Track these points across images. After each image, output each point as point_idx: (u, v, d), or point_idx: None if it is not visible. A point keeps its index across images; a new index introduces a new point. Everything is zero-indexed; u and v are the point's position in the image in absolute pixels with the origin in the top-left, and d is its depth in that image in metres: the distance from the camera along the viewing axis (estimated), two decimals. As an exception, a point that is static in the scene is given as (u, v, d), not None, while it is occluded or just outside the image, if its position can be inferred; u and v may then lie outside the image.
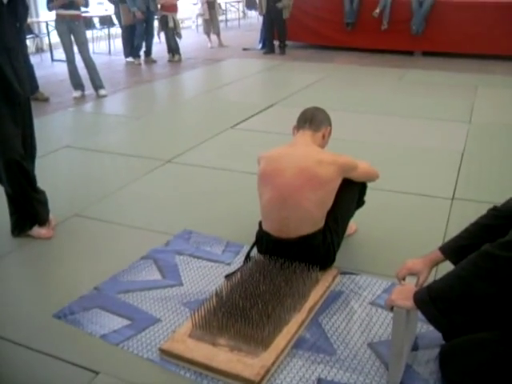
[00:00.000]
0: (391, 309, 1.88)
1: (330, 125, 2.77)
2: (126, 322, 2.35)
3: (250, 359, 2.03)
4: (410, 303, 1.81)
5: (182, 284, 2.64)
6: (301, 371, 2.05)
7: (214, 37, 11.23)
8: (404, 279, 2.08)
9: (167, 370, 2.07)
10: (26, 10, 3.71)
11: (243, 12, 16.97)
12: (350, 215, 2.75)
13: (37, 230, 3.13)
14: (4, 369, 2.13)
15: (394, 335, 1.89)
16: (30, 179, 3.06)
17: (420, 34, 9.35)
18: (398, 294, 1.87)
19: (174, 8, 9.42)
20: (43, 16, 9.75)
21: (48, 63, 9.41)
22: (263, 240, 2.66)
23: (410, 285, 1.99)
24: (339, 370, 2.06)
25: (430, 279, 1.98)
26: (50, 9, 6.60)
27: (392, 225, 3.21)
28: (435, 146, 4.61)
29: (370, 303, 2.46)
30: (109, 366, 2.11)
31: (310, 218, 2.52)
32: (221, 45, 11.26)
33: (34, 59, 7.51)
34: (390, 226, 3.20)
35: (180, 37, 9.77)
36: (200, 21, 12.61)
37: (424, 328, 2.23)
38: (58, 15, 6.55)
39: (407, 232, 3.12)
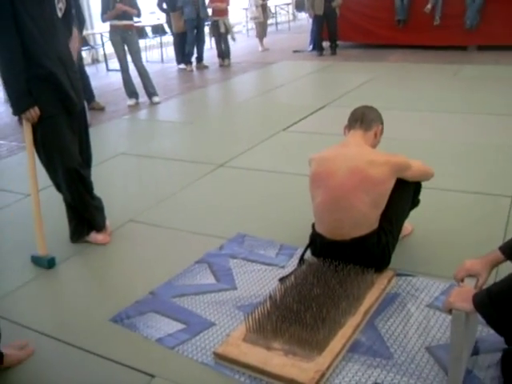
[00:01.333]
0: (449, 311, 1.83)
1: (382, 123, 2.72)
2: (180, 326, 2.37)
3: (305, 363, 2.01)
4: (469, 305, 1.75)
5: (236, 288, 2.65)
6: (357, 375, 2.01)
7: (265, 40, 11.27)
8: (462, 280, 2.02)
9: (222, 374, 2.07)
10: (82, 23, 3.81)
11: (293, 14, 16.94)
12: (405, 215, 2.69)
13: (94, 236, 3.21)
14: (61, 370, 2.18)
15: (453, 339, 1.83)
16: (88, 186, 3.14)
17: (474, 27, 9.10)
18: (456, 296, 1.81)
19: (224, 12, 9.51)
20: (98, 28, 10.00)
21: (103, 73, 9.65)
22: (317, 242, 2.63)
23: (469, 286, 1.92)
24: (396, 374, 2.01)
25: (490, 280, 1.91)
26: (103, 20, 6.78)
27: (449, 224, 3.12)
28: (493, 142, 4.47)
29: (428, 306, 2.40)
30: (164, 369, 2.13)
31: (363, 219, 2.48)
32: (264, 49, 11.33)
33: (89, 70, 7.70)
34: (446, 225, 3.11)
35: (234, 40, 9.85)
36: (251, 25, 12.66)
37: (485, 331, 2.15)
38: (111, 26, 6.72)
39: (465, 232, 3.03)
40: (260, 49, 11.28)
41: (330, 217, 2.52)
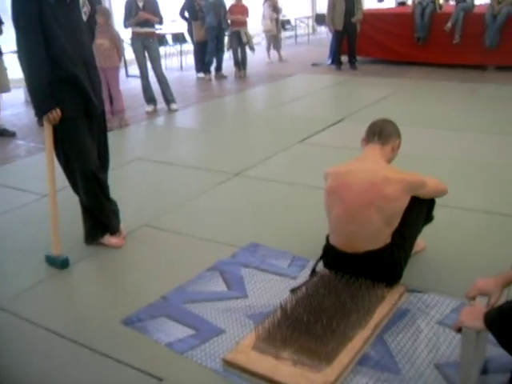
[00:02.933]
0: (459, 330, 1.83)
1: (400, 137, 2.73)
2: (191, 332, 2.39)
3: (313, 374, 2.01)
4: (479, 324, 1.75)
5: (247, 296, 2.66)
6: (364, 389, 2.02)
7: (273, 52, 11.43)
8: (474, 299, 2.02)
9: (230, 381, 2.08)
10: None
11: (312, 27, 17.01)
12: (418, 231, 2.70)
13: (108, 239, 3.23)
14: (70, 370, 2.21)
15: (463, 357, 1.84)
16: (104, 189, 3.17)
17: (494, 47, 9.08)
18: (467, 315, 1.82)
19: (244, 23, 9.59)
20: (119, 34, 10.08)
21: (123, 79, 9.71)
22: (330, 254, 2.65)
23: (481, 305, 1.93)
24: (404, 389, 2.01)
25: (503, 300, 1.91)
26: (126, 26, 6.87)
27: (462, 243, 3.12)
28: (509, 163, 4.46)
29: (438, 323, 2.40)
30: (173, 373, 2.15)
31: (377, 233, 2.49)
32: (281, 59, 11.42)
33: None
34: (460, 243, 3.11)
35: (253, 50, 9.93)
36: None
37: (495, 351, 2.14)
38: (133, 33, 6.81)
39: (478, 250, 3.02)
40: (267, 60, 11.42)
41: (345, 229, 2.53)
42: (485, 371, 2.07)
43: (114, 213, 3.27)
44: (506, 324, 1.67)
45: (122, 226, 3.33)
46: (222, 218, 3.59)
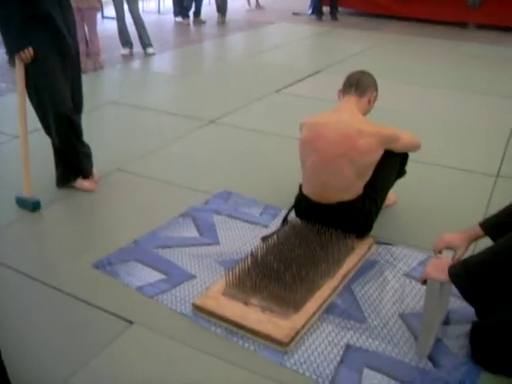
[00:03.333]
0: (424, 282, 1.88)
1: (377, 90, 2.72)
2: (161, 276, 2.41)
3: (281, 320, 2.06)
4: (444, 276, 1.80)
5: (218, 243, 2.68)
6: (330, 336, 2.07)
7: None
8: (440, 252, 2.07)
9: (198, 325, 2.12)
10: None
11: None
12: (390, 185, 2.73)
13: (80, 182, 3.21)
14: (42, 312, 2.22)
15: (426, 308, 1.89)
16: (77, 132, 3.12)
17: (476, 6, 9.03)
18: (432, 267, 1.86)
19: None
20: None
21: (98, 20, 9.45)
22: (302, 203, 2.67)
23: (446, 258, 1.98)
24: (368, 337, 2.07)
25: (468, 255, 1.96)
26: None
27: (432, 198, 3.17)
28: (483, 121, 4.50)
29: (405, 275, 2.45)
30: (143, 316, 2.17)
31: (349, 185, 2.51)
32: (258, 6, 11.25)
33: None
34: (430, 199, 3.16)
35: None
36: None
37: (457, 303, 2.21)
38: (109, -29, 6.58)
39: (447, 206, 3.07)
40: (247, 7, 11.23)
41: (318, 179, 2.55)
42: (446, 322, 2.14)
43: (87, 156, 3.23)
44: (468, 277, 1.72)
45: (95, 169, 3.29)
46: (195, 165, 3.58)
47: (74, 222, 2.99)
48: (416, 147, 2.75)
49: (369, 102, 2.67)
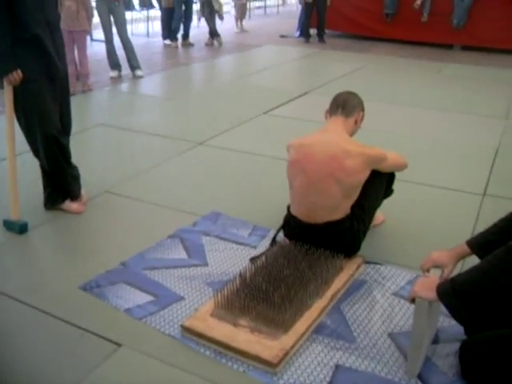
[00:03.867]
0: (412, 301, 1.88)
1: (363, 110, 2.75)
2: (150, 298, 2.40)
3: (270, 341, 2.05)
4: (432, 295, 1.80)
5: (206, 264, 2.67)
6: (319, 356, 2.06)
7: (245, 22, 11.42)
8: (428, 271, 2.08)
9: (187, 347, 2.10)
10: None
11: (282, -1, 16.89)
12: (378, 204, 2.74)
13: (68, 204, 3.19)
14: (29, 335, 2.19)
15: (415, 326, 1.89)
16: (66, 154, 3.11)
17: (460, 27, 9.19)
18: (421, 286, 1.87)
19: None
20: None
21: (87, 42, 9.50)
22: (290, 223, 2.67)
23: (434, 277, 1.98)
24: (358, 357, 2.06)
25: (456, 273, 1.97)
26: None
27: (420, 217, 3.19)
28: (469, 141, 4.55)
29: (393, 294, 2.46)
30: (131, 339, 2.15)
31: (336, 205, 2.52)
32: (242, 30, 11.42)
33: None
34: (418, 218, 3.18)
35: (222, 19, 9.81)
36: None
37: (446, 322, 2.22)
38: (98, -5, 6.62)
39: (435, 225, 3.09)
40: (236, 30, 11.34)
41: (306, 199, 2.56)
42: (436, 341, 2.14)
43: (75, 178, 3.23)
44: (456, 295, 1.72)
45: (83, 191, 3.29)
46: (184, 187, 3.58)
47: (62, 243, 2.98)
48: (403, 167, 2.77)
49: (356, 122, 2.69)
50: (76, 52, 6.17)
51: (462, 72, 7.59)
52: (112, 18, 6.68)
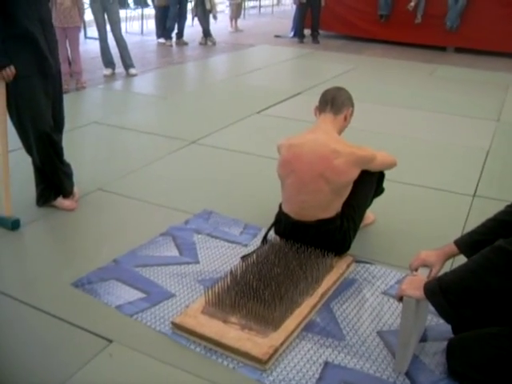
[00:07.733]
0: (400, 299, 1.90)
1: (353, 105, 2.74)
2: (141, 295, 2.41)
3: (260, 338, 2.06)
4: (419, 293, 1.83)
5: (198, 262, 2.69)
6: (309, 353, 2.08)
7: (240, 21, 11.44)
8: (417, 270, 2.10)
9: (178, 344, 2.12)
10: None
11: (277, -1, 16.91)
12: (368, 203, 2.77)
13: (61, 202, 3.20)
14: (20, 331, 2.20)
15: (403, 325, 1.91)
16: (58, 151, 3.12)
17: (454, 29, 9.23)
18: (408, 284, 1.89)
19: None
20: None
21: (81, 40, 9.48)
22: (282, 221, 2.69)
23: (422, 276, 2.01)
24: (347, 355, 2.08)
25: (443, 272, 1.99)
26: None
27: (410, 217, 3.21)
28: (461, 143, 4.58)
29: (383, 293, 2.48)
30: (122, 335, 2.16)
31: (327, 204, 2.54)
32: (236, 29, 11.44)
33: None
34: (408, 218, 3.20)
35: (216, 18, 9.83)
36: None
37: (434, 321, 2.25)
38: (93, -7, 6.62)
39: (425, 226, 3.12)
40: (230, 29, 11.37)
41: (297, 198, 2.57)
42: (424, 339, 2.16)
43: (68, 175, 3.23)
44: (443, 294, 1.75)
45: (76, 189, 3.29)
46: (176, 185, 3.60)
47: (54, 240, 2.99)
48: (392, 165, 2.79)
49: (345, 118, 2.69)
50: (69, 49, 6.16)
51: (454, 74, 7.63)
52: (106, 16, 6.67)
